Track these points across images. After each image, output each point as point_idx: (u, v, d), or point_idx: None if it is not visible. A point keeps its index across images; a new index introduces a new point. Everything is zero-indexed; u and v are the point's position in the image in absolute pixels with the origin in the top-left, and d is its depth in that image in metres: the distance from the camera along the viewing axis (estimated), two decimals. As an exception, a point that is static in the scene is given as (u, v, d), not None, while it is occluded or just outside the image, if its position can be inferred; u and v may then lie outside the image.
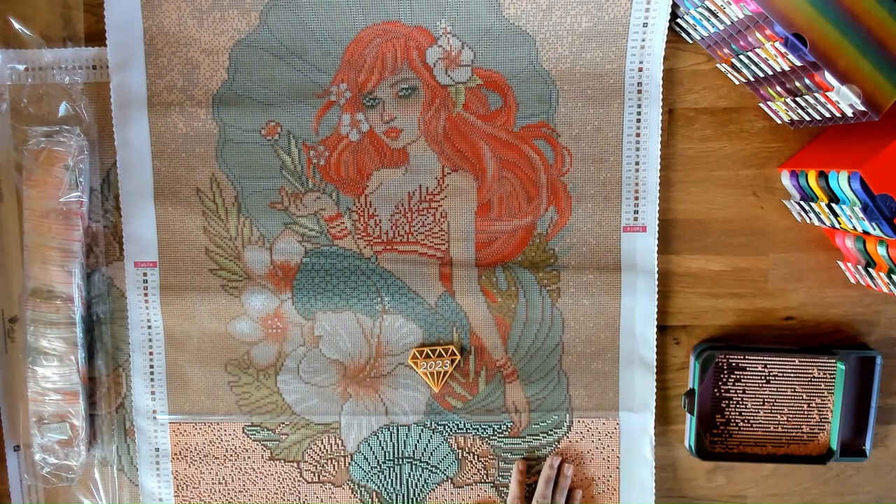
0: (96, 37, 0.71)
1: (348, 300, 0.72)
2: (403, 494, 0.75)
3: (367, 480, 0.75)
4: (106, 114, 0.71)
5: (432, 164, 0.71)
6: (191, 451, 0.75)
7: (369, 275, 0.72)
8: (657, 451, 0.75)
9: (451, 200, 0.71)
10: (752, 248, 0.72)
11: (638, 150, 0.70)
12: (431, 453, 0.74)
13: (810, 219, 0.69)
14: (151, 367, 0.73)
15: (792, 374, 0.73)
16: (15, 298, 0.73)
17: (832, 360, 0.72)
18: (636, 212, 0.71)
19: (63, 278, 0.70)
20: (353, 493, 0.75)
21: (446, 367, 0.72)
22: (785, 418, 0.73)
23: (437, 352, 0.72)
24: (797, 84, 0.60)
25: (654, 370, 0.72)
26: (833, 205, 0.63)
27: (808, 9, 0.53)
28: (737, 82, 0.69)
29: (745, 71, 0.65)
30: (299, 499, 0.75)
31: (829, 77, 0.54)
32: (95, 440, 0.75)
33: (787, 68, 0.58)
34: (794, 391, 0.73)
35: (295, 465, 0.75)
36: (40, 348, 0.70)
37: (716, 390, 0.73)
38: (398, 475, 0.75)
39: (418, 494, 0.75)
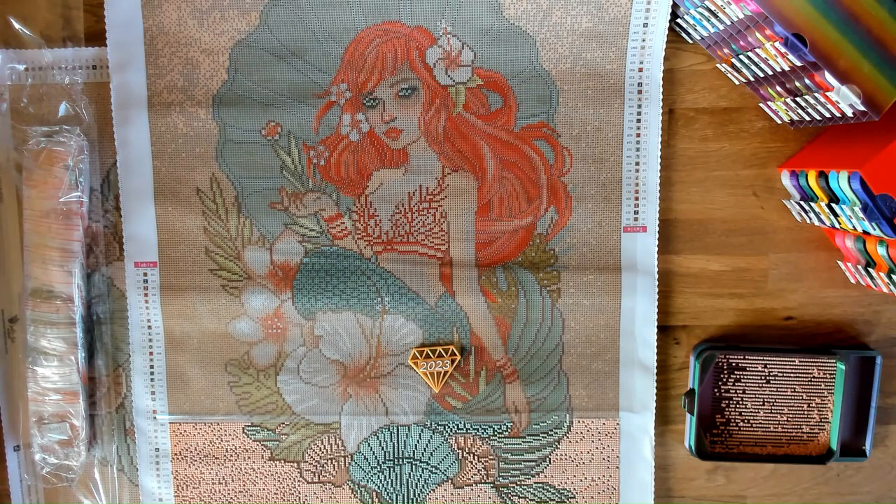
0: (96, 37, 0.71)
1: (348, 300, 0.72)
2: (403, 495, 0.75)
3: (368, 480, 0.75)
4: (106, 114, 0.71)
5: (432, 165, 0.71)
6: (191, 452, 0.75)
7: (369, 275, 0.72)
8: (657, 451, 0.75)
9: (451, 200, 0.71)
10: (752, 248, 0.72)
11: (638, 150, 0.70)
12: (431, 453, 0.74)
13: (810, 219, 0.69)
14: (151, 367, 0.73)
15: (792, 374, 0.73)
16: (15, 298, 0.73)
17: (832, 360, 0.72)
18: (636, 212, 0.71)
19: (63, 278, 0.70)
20: (353, 493, 0.75)
21: (446, 367, 0.72)
22: (785, 418, 0.73)
23: (437, 352, 0.72)
24: (797, 84, 0.60)
25: (655, 370, 0.72)
26: (833, 205, 0.63)
27: (808, 9, 0.53)
28: (737, 82, 0.69)
29: (745, 71, 0.65)
30: (299, 499, 0.75)
31: (829, 77, 0.55)
32: (95, 440, 0.75)
33: (787, 68, 0.58)
34: (794, 391, 0.73)
35: (295, 465, 0.75)
36: (40, 348, 0.70)
37: (716, 390, 0.73)
38: (398, 475, 0.75)
39: (418, 495, 0.75)
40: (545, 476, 0.75)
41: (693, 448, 0.72)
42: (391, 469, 0.75)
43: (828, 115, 0.59)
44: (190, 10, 0.69)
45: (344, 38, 0.70)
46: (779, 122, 0.69)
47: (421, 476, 0.75)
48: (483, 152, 0.71)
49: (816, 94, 0.58)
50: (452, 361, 0.72)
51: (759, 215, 0.72)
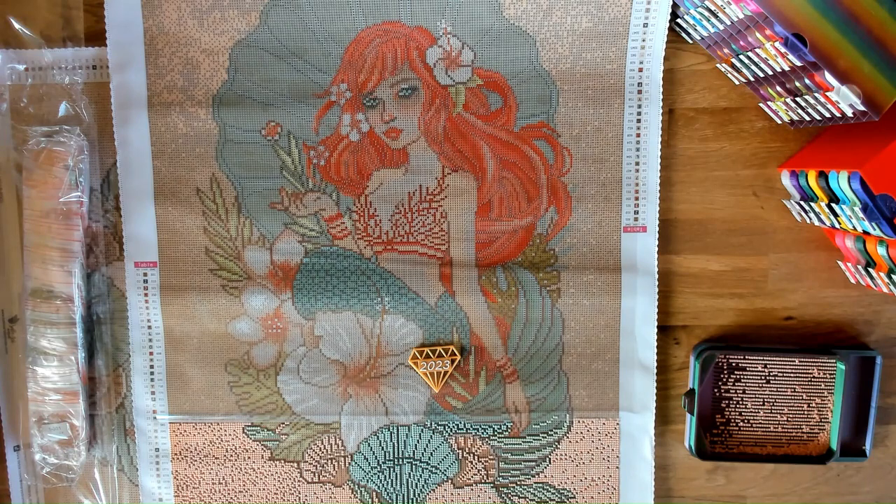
0: (96, 37, 0.71)
1: (348, 300, 0.72)
2: (403, 495, 0.75)
3: (368, 480, 0.75)
4: (106, 114, 0.71)
5: (432, 165, 0.71)
6: (191, 452, 0.75)
7: (369, 275, 0.72)
8: (657, 451, 0.75)
9: (451, 201, 0.71)
10: (752, 248, 0.72)
11: (638, 150, 0.70)
12: (431, 453, 0.74)
13: (810, 219, 0.69)
14: (151, 367, 0.73)
15: (792, 374, 0.73)
16: (15, 298, 0.73)
17: (832, 360, 0.72)
18: (636, 212, 0.71)
19: (63, 278, 0.70)
20: (353, 493, 0.75)
21: (446, 367, 0.72)
22: (785, 418, 0.73)
23: (437, 352, 0.72)
24: (797, 84, 0.60)
25: (655, 370, 0.72)
26: (833, 205, 0.63)
27: (808, 9, 0.53)
28: (737, 82, 0.69)
29: (745, 71, 0.65)
30: (299, 499, 0.75)
31: (829, 77, 0.55)
32: (95, 440, 0.75)
33: (787, 68, 0.58)
34: (794, 391, 0.73)
35: (295, 465, 0.75)
36: (40, 348, 0.70)
37: (716, 390, 0.73)
38: (398, 475, 0.75)
39: (418, 495, 0.75)
40: (545, 476, 0.75)
41: (693, 448, 0.72)
42: (391, 469, 0.75)
43: (828, 115, 0.59)
44: (190, 10, 0.69)
45: (344, 38, 0.70)
46: (779, 122, 0.69)
47: (421, 476, 0.75)
48: (483, 152, 0.71)
49: (816, 94, 0.58)
50: (452, 361, 0.72)
51: (759, 215, 0.72)
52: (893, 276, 0.63)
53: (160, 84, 0.70)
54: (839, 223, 0.64)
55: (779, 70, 0.60)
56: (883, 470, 0.75)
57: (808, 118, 0.63)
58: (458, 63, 0.70)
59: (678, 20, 0.68)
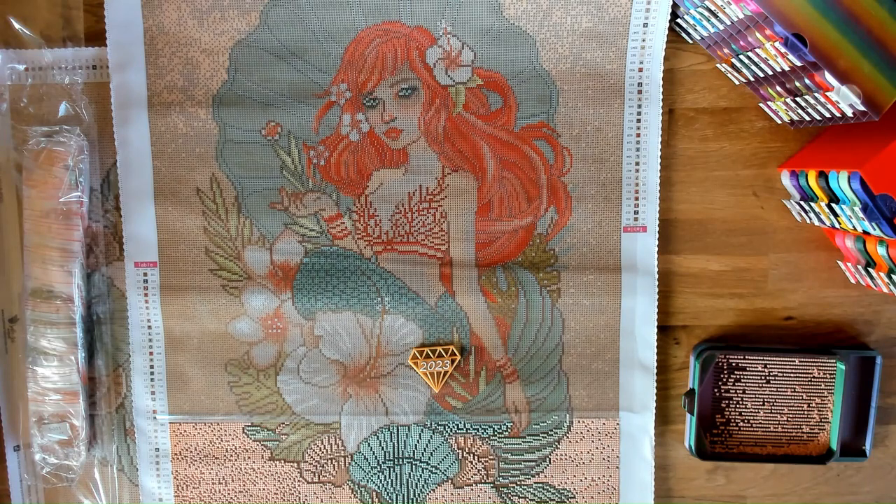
0: (96, 37, 0.71)
1: (348, 300, 0.72)
2: (403, 495, 0.75)
3: (368, 480, 0.75)
4: (106, 114, 0.71)
5: (432, 165, 0.71)
6: (191, 452, 0.75)
7: (369, 275, 0.72)
8: (657, 451, 0.75)
9: (451, 201, 0.71)
10: (752, 248, 0.72)
11: (638, 150, 0.70)
12: (432, 453, 0.74)
13: (810, 219, 0.69)
14: (151, 367, 0.73)
15: (792, 374, 0.73)
16: (15, 298, 0.73)
17: (832, 360, 0.72)
18: (636, 212, 0.71)
19: (63, 278, 0.70)
20: (353, 493, 0.75)
21: (446, 367, 0.72)
22: (785, 418, 0.73)
23: (437, 352, 0.72)
24: (797, 84, 0.60)
25: (655, 370, 0.72)
26: (833, 205, 0.63)
27: (808, 9, 0.53)
28: (737, 82, 0.69)
29: (745, 71, 0.65)
30: (299, 499, 0.75)
31: (829, 77, 0.55)
32: (95, 440, 0.75)
33: (787, 68, 0.58)
34: (794, 391, 0.73)
35: (295, 465, 0.75)
36: (40, 348, 0.70)
37: (716, 390, 0.73)
38: (398, 475, 0.75)
39: (418, 495, 0.75)
40: (545, 476, 0.75)
41: (693, 448, 0.72)
42: (391, 469, 0.75)
43: (828, 115, 0.59)
44: (190, 10, 0.69)
45: (344, 38, 0.70)
46: (779, 122, 0.69)
47: (421, 476, 0.75)
48: (483, 152, 0.71)
49: (816, 94, 0.58)
50: (452, 361, 0.72)
51: (759, 215, 0.72)
52: (893, 276, 0.63)
53: (160, 84, 0.70)
54: (839, 223, 0.64)
55: (779, 70, 0.60)
56: (883, 470, 0.75)
57: (808, 118, 0.63)
58: (458, 63, 0.70)
59: (678, 20, 0.68)
